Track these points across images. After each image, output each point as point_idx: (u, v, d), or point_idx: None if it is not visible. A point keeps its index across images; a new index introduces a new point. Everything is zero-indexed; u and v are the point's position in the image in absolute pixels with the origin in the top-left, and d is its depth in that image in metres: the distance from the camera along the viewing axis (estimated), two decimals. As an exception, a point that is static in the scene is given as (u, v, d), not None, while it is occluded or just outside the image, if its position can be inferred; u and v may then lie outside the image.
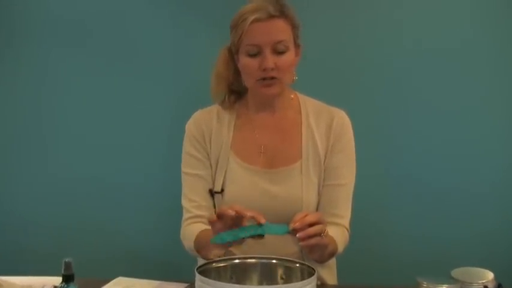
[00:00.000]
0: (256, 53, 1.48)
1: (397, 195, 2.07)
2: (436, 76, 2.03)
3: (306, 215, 1.30)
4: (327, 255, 1.47)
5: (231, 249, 1.44)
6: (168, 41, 2.11)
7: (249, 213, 1.28)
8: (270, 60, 1.47)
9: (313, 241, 1.29)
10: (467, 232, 2.04)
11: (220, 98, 1.62)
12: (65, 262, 1.19)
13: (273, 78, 1.49)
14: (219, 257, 1.31)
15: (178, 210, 1.61)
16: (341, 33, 2.05)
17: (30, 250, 2.17)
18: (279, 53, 1.48)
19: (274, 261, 1.28)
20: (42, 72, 2.15)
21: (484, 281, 1.22)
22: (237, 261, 1.28)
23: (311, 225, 1.29)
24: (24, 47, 2.15)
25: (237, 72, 1.58)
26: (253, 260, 1.28)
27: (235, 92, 1.62)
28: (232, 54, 1.56)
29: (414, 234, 2.06)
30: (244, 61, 1.51)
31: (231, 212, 1.27)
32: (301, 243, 1.29)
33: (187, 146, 1.61)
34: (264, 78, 1.49)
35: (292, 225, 1.28)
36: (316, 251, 1.40)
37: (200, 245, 1.48)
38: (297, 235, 1.27)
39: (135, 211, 2.15)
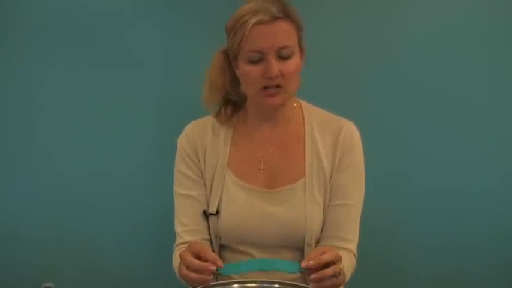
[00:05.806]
0: (259, 59, 1.38)
1: (409, 208, 2.01)
2: (450, 83, 1.97)
3: (322, 253, 1.24)
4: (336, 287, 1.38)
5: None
6: (159, 44, 2.01)
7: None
8: (275, 67, 1.37)
9: (327, 284, 1.23)
10: (487, 239, 1.98)
11: (215, 109, 1.53)
12: (45, 287, 1.15)
13: (277, 86, 1.39)
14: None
15: (171, 229, 1.53)
16: (347, 37, 1.98)
17: (5, 273, 2.01)
18: (283, 58, 1.38)
19: (276, 285, 1.24)
20: (23, 75, 2.01)
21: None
22: (235, 286, 1.25)
23: (326, 264, 1.23)
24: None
25: (234, 79, 1.48)
26: (253, 285, 1.25)
27: (231, 102, 1.52)
28: (229, 58, 1.46)
29: (429, 244, 2.01)
30: (244, 68, 1.41)
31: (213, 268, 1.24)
32: (312, 285, 1.23)
33: (179, 164, 1.53)
34: (267, 87, 1.40)
35: (305, 263, 1.21)
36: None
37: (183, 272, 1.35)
38: (311, 277, 1.21)
39: (124, 229, 2.04)
